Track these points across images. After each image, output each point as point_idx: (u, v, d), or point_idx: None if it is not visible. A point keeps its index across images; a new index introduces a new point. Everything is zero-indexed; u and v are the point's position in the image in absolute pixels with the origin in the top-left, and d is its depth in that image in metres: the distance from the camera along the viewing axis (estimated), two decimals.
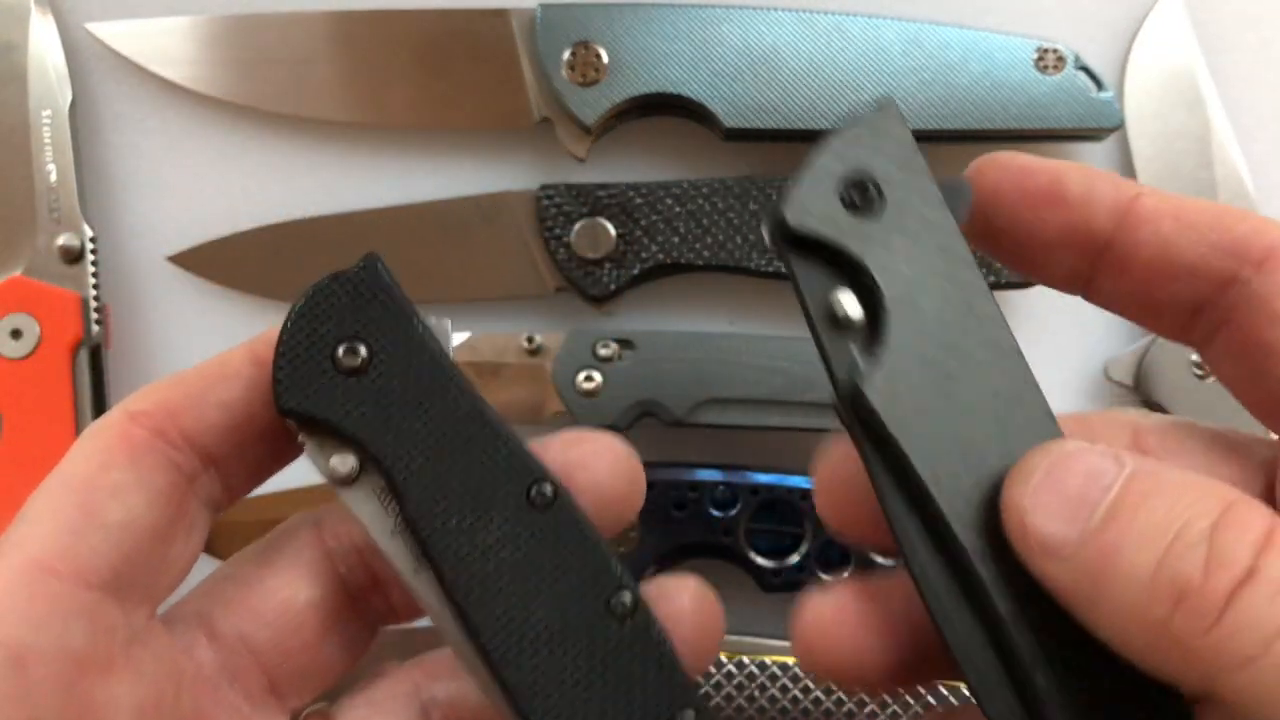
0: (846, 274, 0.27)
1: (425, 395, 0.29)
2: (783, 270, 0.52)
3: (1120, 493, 0.23)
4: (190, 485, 0.29)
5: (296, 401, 0.28)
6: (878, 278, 0.27)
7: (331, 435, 0.28)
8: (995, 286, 0.53)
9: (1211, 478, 0.24)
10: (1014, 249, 0.29)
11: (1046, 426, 0.26)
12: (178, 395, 0.29)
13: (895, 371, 0.26)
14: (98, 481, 0.27)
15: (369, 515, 0.29)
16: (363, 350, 0.28)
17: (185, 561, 0.29)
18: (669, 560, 0.52)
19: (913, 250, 0.27)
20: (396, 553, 0.29)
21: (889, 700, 0.49)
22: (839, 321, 0.27)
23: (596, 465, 0.31)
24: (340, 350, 0.28)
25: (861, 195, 0.27)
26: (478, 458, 0.29)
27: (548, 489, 0.29)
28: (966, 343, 0.27)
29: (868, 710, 0.49)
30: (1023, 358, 0.27)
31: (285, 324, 0.28)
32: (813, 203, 0.27)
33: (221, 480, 0.30)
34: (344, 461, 0.29)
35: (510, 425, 0.30)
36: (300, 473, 0.56)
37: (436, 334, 0.29)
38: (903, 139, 0.29)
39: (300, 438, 0.29)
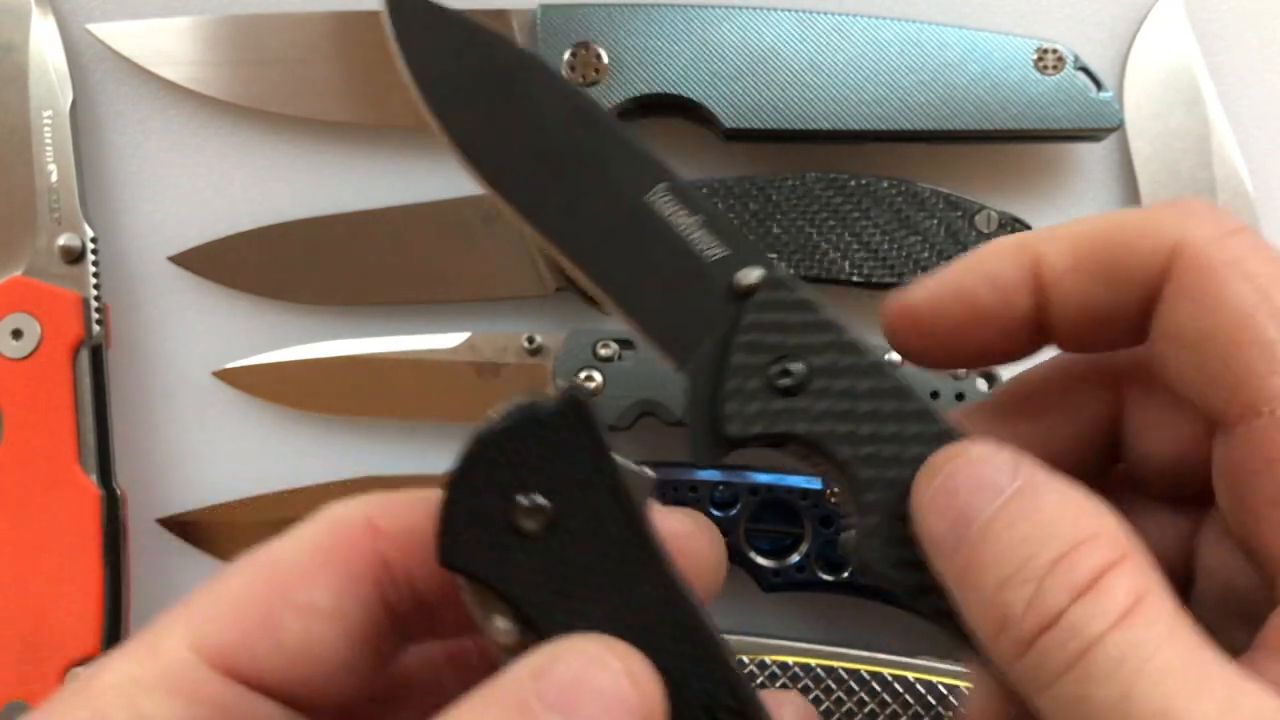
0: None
1: (612, 571, 0.24)
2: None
3: (995, 513, 0.25)
4: (393, 626, 0.27)
5: (462, 560, 0.24)
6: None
7: (497, 595, 0.25)
8: None
9: (1085, 496, 0.25)
10: (972, 362, 0.30)
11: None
12: (418, 519, 0.26)
13: None
14: (297, 595, 0.25)
15: None
16: (546, 509, 0.24)
17: (356, 688, 0.27)
18: None
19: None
20: None
21: (889, 700, 0.49)
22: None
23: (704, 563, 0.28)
24: (520, 506, 0.24)
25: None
26: (663, 652, 0.24)
27: (732, 702, 0.25)
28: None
29: (868, 710, 0.49)
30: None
31: (460, 463, 0.25)
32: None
33: (426, 622, 0.27)
34: (506, 629, 0.24)
35: (711, 614, 0.25)
36: (299, 473, 0.56)
37: (637, 490, 0.25)
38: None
39: (461, 587, 0.25)
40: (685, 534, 0.27)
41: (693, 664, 0.25)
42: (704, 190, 0.53)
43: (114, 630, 0.51)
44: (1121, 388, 0.30)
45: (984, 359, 0.30)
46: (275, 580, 0.26)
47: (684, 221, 0.29)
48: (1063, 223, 0.29)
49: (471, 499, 0.24)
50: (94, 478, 0.51)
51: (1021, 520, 0.24)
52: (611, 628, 0.24)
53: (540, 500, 0.24)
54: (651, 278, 0.29)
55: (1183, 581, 0.27)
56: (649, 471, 0.25)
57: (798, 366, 0.27)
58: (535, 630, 0.24)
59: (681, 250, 0.29)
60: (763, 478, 0.52)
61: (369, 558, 0.26)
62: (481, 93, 0.29)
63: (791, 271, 0.52)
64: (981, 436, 0.27)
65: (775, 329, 0.28)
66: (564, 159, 0.29)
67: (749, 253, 0.29)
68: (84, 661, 0.49)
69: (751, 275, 0.28)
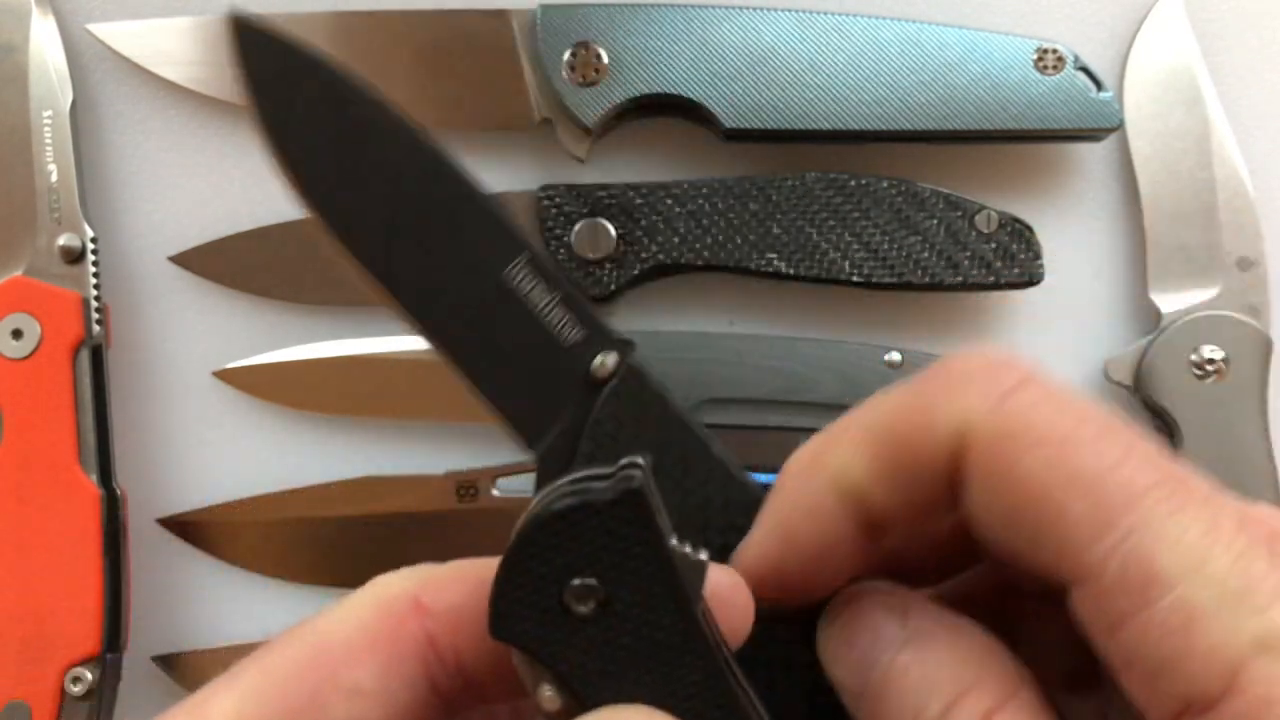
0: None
1: (660, 654, 0.25)
2: (783, 270, 0.52)
3: (889, 664, 0.26)
4: (439, 702, 0.27)
5: (513, 634, 0.25)
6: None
7: (544, 669, 0.25)
8: (995, 286, 0.53)
9: (971, 637, 0.26)
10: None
11: None
12: (466, 595, 0.26)
13: None
14: (344, 677, 0.25)
15: None
16: (599, 592, 0.24)
17: None
18: None
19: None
20: None
21: None
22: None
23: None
24: (573, 588, 0.24)
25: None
26: None
27: None
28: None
29: None
30: None
31: (517, 540, 0.25)
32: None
33: (472, 695, 0.27)
34: (553, 698, 0.25)
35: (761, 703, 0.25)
36: (299, 473, 0.56)
37: (690, 576, 0.25)
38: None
39: (513, 653, 0.25)
40: (727, 588, 0.27)
41: None
42: (704, 190, 0.53)
43: (114, 630, 0.51)
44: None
45: (892, 574, 0.28)
46: (322, 660, 0.26)
47: (542, 298, 0.28)
48: (848, 417, 0.27)
49: (525, 577, 0.25)
50: (94, 478, 0.51)
51: (911, 671, 0.25)
52: (662, 700, 0.24)
53: (592, 583, 0.24)
54: (505, 355, 0.28)
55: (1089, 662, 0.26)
56: (704, 556, 0.25)
57: (645, 460, 0.26)
58: (581, 702, 0.25)
59: (538, 329, 0.28)
60: (763, 478, 0.51)
61: (416, 637, 0.26)
62: (331, 140, 0.28)
63: (792, 272, 0.52)
64: (871, 584, 0.27)
65: (628, 422, 0.28)
66: (418, 220, 0.28)
67: (606, 337, 0.28)
68: (84, 661, 0.50)
69: (608, 363, 0.28)
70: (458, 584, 0.27)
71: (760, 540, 0.28)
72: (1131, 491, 0.23)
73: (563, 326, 0.28)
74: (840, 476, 0.26)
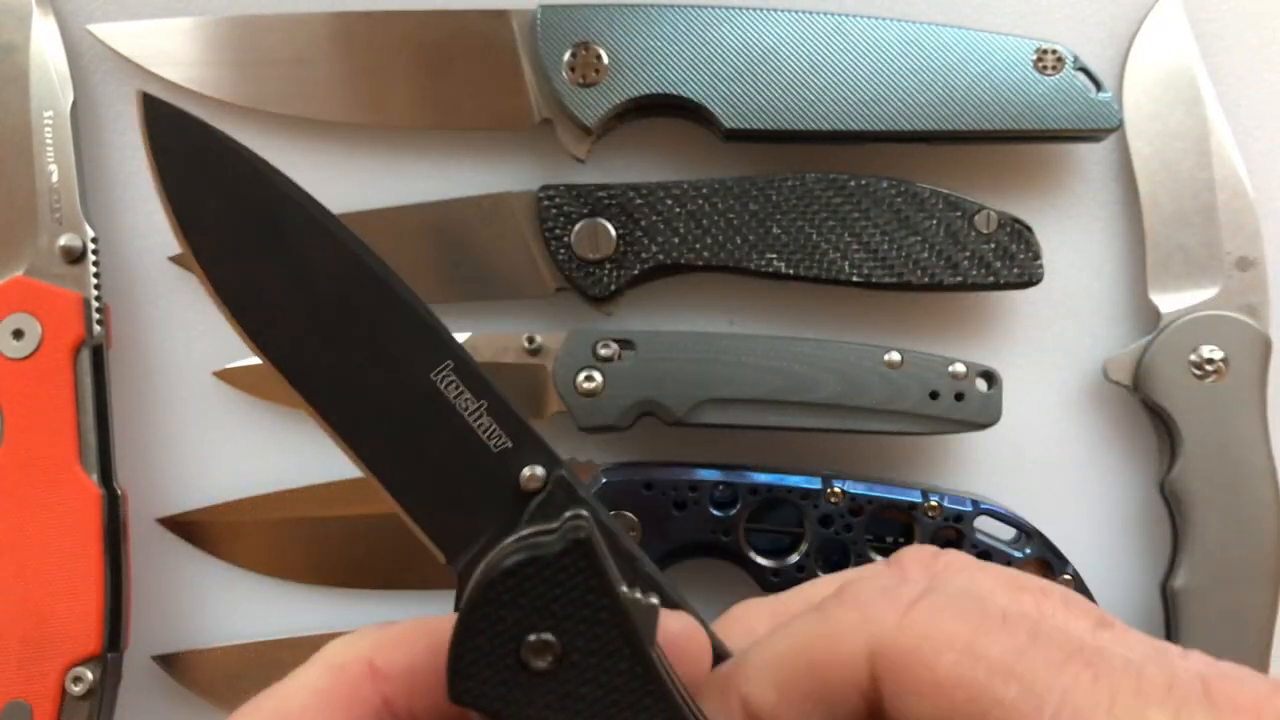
0: None
1: (619, 702, 0.25)
2: (783, 270, 0.53)
3: None
4: None
5: (473, 697, 0.25)
6: None
7: None
8: (994, 286, 0.53)
9: None
10: None
11: None
12: (418, 656, 0.26)
13: None
14: None
15: None
16: (554, 646, 0.25)
17: None
18: (669, 560, 0.52)
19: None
20: None
21: None
22: None
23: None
24: (529, 643, 0.24)
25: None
26: None
27: None
28: None
29: None
30: None
31: (469, 603, 0.25)
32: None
33: None
34: None
35: None
36: (299, 473, 0.56)
37: (643, 621, 0.25)
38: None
39: (474, 715, 0.26)
40: (680, 634, 0.26)
41: None
42: (704, 190, 0.53)
43: (114, 630, 0.51)
44: None
45: None
46: None
47: (469, 405, 0.27)
48: (753, 647, 0.27)
49: (480, 638, 0.24)
50: (94, 477, 0.51)
51: None
52: None
53: (548, 638, 0.24)
54: (427, 465, 0.27)
55: None
56: (655, 600, 0.25)
57: (589, 511, 0.26)
58: None
59: (463, 438, 0.27)
60: (762, 478, 0.52)
61: (372, 702, 0.26)
62: (244, 231, 0.27)
63: (792, 272, 0.53)
64: None
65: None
66: (337, 320, 0.27)
67: (534, 446, 0.27)
68: (84, 661, 0.50)
69: (537, 474, 0.27)
70: (410, 645, 0.26)
71: None
72: (1051, 664, 0.24)
73: (489, 435, 0.27)
74: (746, 701, 0.26)
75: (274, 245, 0.27)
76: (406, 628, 0.27)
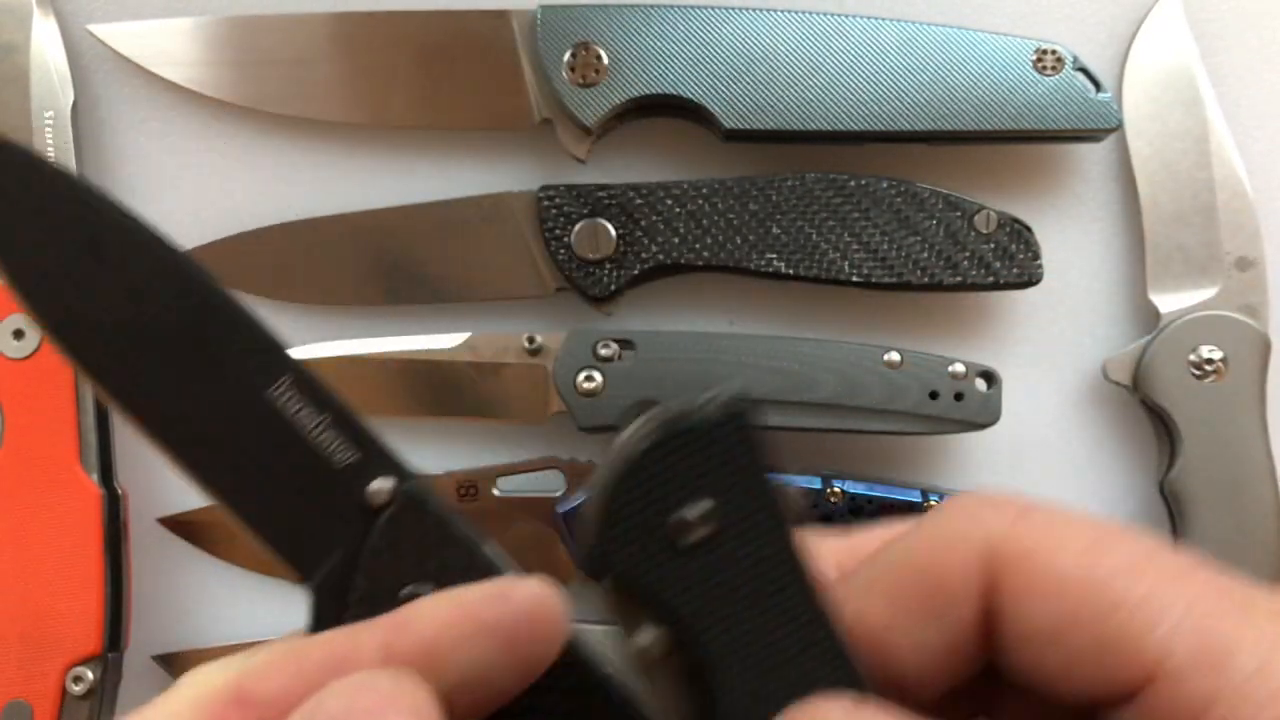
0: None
1: (768, 585, 0.24)
2: (783, 270, 0.53)
3: None
4: None
5: (624, 566, 0.24)
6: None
7: (645, 606, 0.24)
8: (994, 286, 0.53)
9: None
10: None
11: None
12: (289, 679, 0.24)
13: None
14: None
15: (658, 696, 0.24)
16: (705, 521, 0.24)
17: None
18: None
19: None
20: None
21: None
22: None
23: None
24: (683, 515, 0.24)
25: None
26: (802, 658, 0.24)
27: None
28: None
29: None
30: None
31: (620, 471, 0.24)
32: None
33: None
34: (655, 643, 0.24)
35: (845, 634, 0.25)
36: None
37: (788, 506, 0.25)
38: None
39: (607, 599, 0.25)
40: (536, 598, 0.24)
41: (832, 660, 0.24)
42: (704, 190, 0.53)
43: (114, 630, 0.51)
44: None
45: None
46: None
47: (310, 420, 0.26)
48: (859, 565, 0.26)
49: (630, 509, 0.24)
50: (95, 477, 0.51)
51: None
52: (762, 635, 0.24)
53: (699, 512, 0.24)
54: (272, 484, 0.26)
55: None
56: (798, 487, 0.25)
57: (426, 590, 0.25)
58: (684, 638, 0.24)
59: (306, 454, 0.26)
60: None
61: None
62: (62, 243, 0.26)
63: (792, 272, 0.53)
64: (822, 698, 0.24)
65: (406, 550, 0.26)
66: (171, 342, 0.26)
67: (382, 458, 0.26)
68: (85, 661, 0.50)
69: (384, 488, 0.26)
70: (278, 669, 0.25)
71: None
72: (1176, 574, 0.23)
73: (334, 450, 0.26)
74: (860, 620, 0.25)
75: (97, 267, 0.26)
76: (273, 652, 0.25)
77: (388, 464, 0.26)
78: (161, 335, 0.26)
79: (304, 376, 0.26)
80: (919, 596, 0.25)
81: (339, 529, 0.26)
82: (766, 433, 0.24)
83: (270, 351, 0.26)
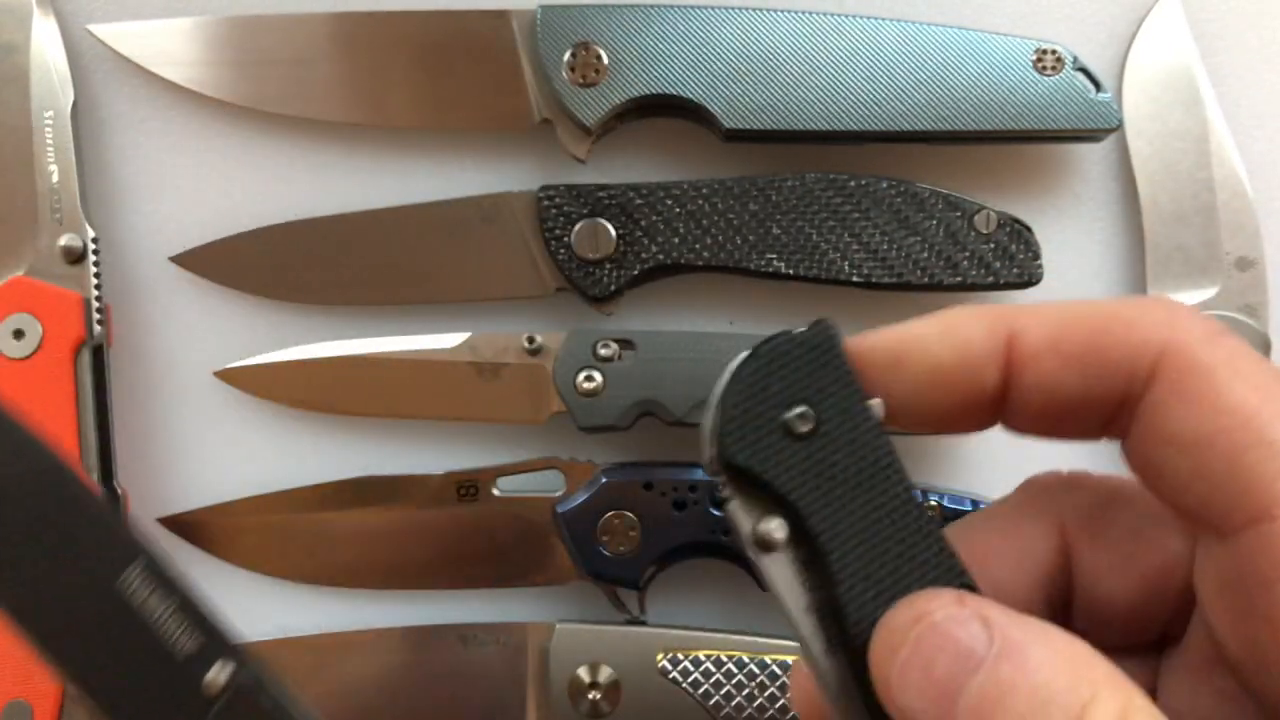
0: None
1: (866, 475, 0.27)
2: (783, 270, 0.53)
3: (981, 689, 0.23)
4: None
5: (745, 457, 0.27)
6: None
7: (765, 498, 0.27)
8: (994, 286, 0.53)
9: (1068, 643, 0.24)
10: (919, 425, 0.29)
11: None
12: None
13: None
14: None
15: (784, 585, 0.27)
16: (811, 416, 0.27)
17: None
18: (669, 560, 0.52)
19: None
20: (809, 630, 0.27)
21: None
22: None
23: None
24: (791, 412, 0.27)
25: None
26: (909, 553, 0.26)
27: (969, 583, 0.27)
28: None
29: None
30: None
31: (735, 374, 0.27)
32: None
33: None
34: (776, 527, 0.27)
35: (934, 520, 0.28)
36: (299, 473, 0.56)
37: (874, 412, 0.28)
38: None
39: (727, 494, 0.27)
40: None
41: (935, 554, 0.27)
42: (704, 190, 0.53)
43: None
44: (1068, 537, 0.30)
45: (933, 425, 0.29)
46: None
47: (157, 607, 0.27)
48: (1045, 303, 0.28)
49: (748, 407, 0.27)
50: (95, 477, 0.51)
51: (1013, 693, 0.23)
52: (869, 525, 0.26)
53: (806, 409, 0.27)
54: (124, 673, 0.27)
55: None
56: (879, 404, 0.28)
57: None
58: (800, 525, 0.26)
59: (153, 643, 0.27)
60: None
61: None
62: None
63: (792, 272, 0.53)
64: (929, 593, 0.26)
65: None
66: (25, 536, 0.26)
67: (221, 644, 0.27)
68: None
69: (219, 679, 0.27)
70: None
71: (898, 339, 0.28)
72: None
73: (179, 636, 0.27)
74: (1017, 334, 0.27)
75: None
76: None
77: (225, 649, 0.27)
78: (22, 534, 0.26)
79: (155, 561, 0.27)
80: (1082, 351, 0.26)
81: (179, 718, 0.27)
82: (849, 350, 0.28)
83: (121, 542, 0.27)
